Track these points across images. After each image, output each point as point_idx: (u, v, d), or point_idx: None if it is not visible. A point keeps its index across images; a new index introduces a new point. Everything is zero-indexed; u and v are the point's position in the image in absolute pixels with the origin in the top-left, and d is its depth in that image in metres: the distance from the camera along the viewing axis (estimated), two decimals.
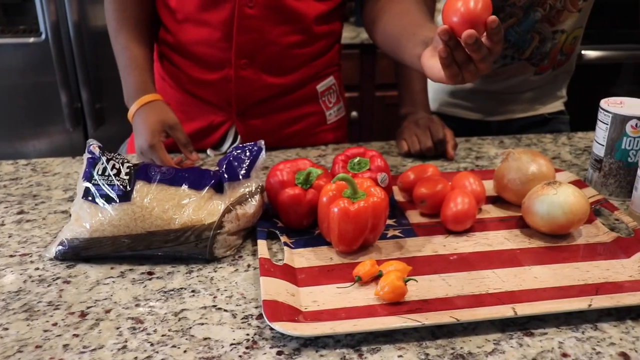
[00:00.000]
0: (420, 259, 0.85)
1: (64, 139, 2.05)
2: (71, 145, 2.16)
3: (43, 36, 2.01)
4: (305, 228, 0.92)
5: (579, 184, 1.04)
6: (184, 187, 0.88)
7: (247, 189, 0.90)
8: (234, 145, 1.23)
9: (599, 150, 1.04)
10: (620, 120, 1.00)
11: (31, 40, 2.03)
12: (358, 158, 0.94)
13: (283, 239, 0.89)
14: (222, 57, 1.17)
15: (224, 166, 0.91)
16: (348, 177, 0.83)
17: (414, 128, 1.26)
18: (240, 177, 0.90)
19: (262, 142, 0.95)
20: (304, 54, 1.21)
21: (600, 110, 1.02)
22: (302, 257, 0.86)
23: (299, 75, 1.23)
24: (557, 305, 0.74)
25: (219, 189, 0.89)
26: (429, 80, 1.49)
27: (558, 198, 0.89)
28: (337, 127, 1.35)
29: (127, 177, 0.87)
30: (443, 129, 1.23)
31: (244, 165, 0.91)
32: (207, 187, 0.88)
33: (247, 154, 0.93)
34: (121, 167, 0.88)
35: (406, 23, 1.05)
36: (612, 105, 1.01)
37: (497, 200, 1.02)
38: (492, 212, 0.99)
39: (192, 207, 0.85)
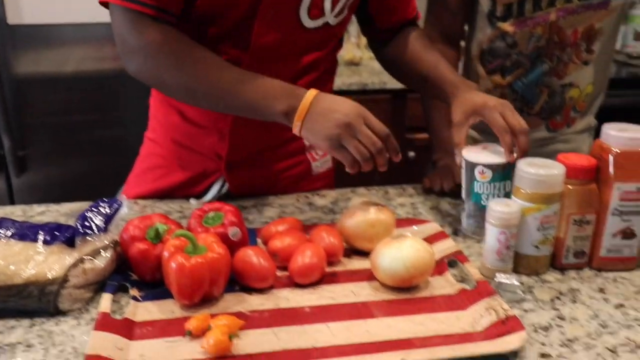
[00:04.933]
0: (259, 313, 0.88)
1: None
2: None
3: None
4: (159, 281, 0.94)
5: (440, 236, 1.07)
6: (35, 242, 0.90)
7: (101, 244, 0.92)
8: (219, 194, 1.26)
9: (463, 194, 1.10)
10: (470, 167, 1.06)
11: None
12: (213, 213, 0.97)
13: (132, 292, 0.91)
14: (218, 117, 1.17)
15: (79, 220, 0.93)
16: (186, 233, 0.86)
17: (440, 171, 1.34)
18: (96, 231, 0.93)
19: (124, 197, 0.98)
20: None
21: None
22: (147, 311, 0.88)
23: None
24: None
25: (71, 243, 0.91)
26: None
27: (400, 252, 0.92)
28: (322, 178, 1.36)
29: None
30: None
31: (101, 220, 0.94)
32: (56, 242, 0.90)
33: (107, 209, 0.96)
34: None
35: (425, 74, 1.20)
36: (469, 151, 1.08)
37: (361, 253, 1.05)
38: (349, 264, 1.01)
39: (38, 262, 0.87)
